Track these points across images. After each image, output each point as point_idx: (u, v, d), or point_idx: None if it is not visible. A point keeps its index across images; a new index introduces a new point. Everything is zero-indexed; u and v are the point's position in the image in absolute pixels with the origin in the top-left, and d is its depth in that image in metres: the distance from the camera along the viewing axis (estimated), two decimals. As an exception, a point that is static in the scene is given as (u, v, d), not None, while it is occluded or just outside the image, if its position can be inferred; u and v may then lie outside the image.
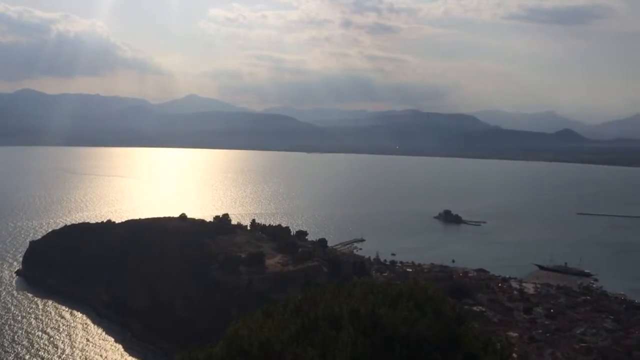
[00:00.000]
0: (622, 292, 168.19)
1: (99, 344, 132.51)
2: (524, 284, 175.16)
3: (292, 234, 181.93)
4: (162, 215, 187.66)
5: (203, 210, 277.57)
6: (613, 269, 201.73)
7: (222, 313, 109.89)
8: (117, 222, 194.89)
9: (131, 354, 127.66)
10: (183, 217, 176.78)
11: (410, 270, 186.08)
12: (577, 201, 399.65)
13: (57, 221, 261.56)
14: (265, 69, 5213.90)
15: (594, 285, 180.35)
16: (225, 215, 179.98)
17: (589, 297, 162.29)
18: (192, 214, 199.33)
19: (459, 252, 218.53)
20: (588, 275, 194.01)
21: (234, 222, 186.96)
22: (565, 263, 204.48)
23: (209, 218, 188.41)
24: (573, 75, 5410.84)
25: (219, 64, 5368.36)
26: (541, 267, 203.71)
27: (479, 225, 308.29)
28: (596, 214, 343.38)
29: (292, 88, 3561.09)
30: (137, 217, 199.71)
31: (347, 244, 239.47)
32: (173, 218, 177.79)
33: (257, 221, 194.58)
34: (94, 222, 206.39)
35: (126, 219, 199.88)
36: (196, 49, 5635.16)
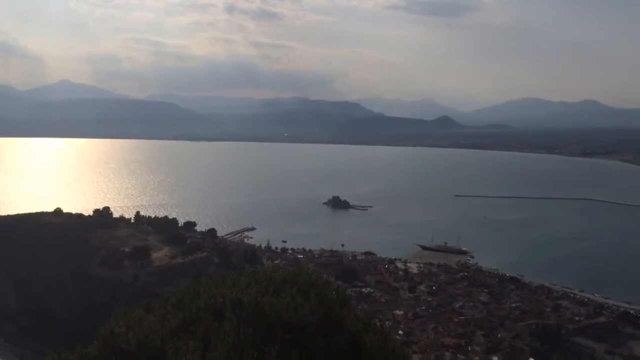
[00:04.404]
0: (495, 267, 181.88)
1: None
2: (408, 264, 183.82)
3: (179, 225, 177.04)
4: (34, 211, 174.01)
5: (81, 203, 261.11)
6: (487, 246, 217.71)
7: (105, 311, 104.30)
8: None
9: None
10: (58, 211, 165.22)
11: (302, 256, 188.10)
12: (454, 184, 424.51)
13: None
14: (145, 54, 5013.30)
15: (470, 262, 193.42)
16: (106, 209, 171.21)
17: (466, 274, 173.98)
18: (69, 208, 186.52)
19: (348, 237, 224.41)
20: (465, 253, 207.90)
21: (116, 215, 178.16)
22: (445, 242, 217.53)
23: (88, 212, 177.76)
24: (449, 66, 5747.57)
25: (93, 48, 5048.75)
26: (423, 247, 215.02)
27: (366, 209, 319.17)
28: (471, 195, 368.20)
29: (174, 74, 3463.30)
30: (4, 214, 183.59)
31: (238, 233, 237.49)
32: (47, 213, 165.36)
33: (142, 213, 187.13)
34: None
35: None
36: (67, 31, 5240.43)
